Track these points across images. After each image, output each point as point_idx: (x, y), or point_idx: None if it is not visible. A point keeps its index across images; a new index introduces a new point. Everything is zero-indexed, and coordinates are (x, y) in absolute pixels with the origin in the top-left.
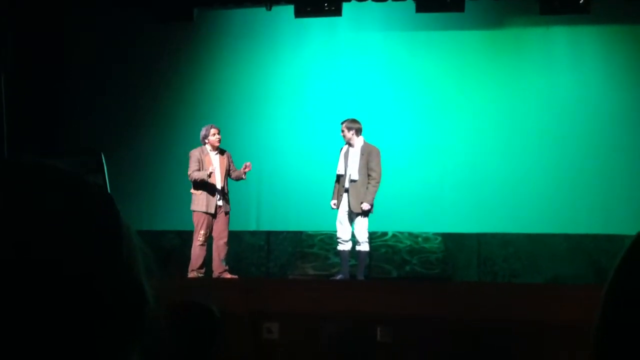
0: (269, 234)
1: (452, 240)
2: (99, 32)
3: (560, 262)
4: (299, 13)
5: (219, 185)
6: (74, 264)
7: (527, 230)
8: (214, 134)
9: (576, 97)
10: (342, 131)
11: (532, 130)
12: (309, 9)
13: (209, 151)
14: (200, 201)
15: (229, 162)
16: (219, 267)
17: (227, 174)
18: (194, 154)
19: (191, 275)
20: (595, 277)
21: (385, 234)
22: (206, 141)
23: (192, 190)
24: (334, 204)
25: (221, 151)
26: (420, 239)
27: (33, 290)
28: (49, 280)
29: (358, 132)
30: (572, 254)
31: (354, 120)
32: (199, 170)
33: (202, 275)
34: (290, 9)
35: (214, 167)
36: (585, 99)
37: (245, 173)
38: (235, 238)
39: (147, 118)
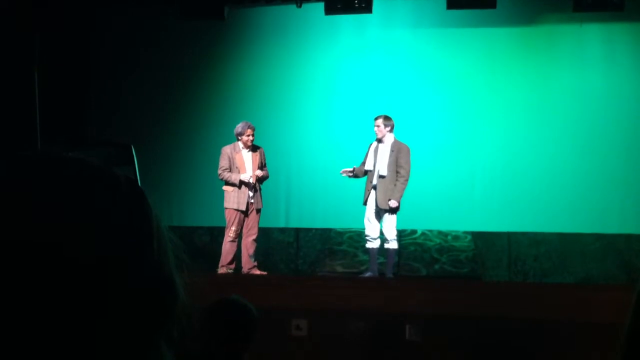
0: (298, 231)
1: (482, 239)
2: (130, 28)
3: (592, 262)
4: (329, 10)
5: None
6: (105, 257)
7: (558, 230)
8: (249, 135)
9: (609, 95)
10: (378, 127)
11: (564, 129)
12: (339, 6)
13: (241, 148)
14: (232, 198)
15: (261, 159)
16: (247, 262)
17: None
18: (225, 151)
19: (221, 270)
20: (627, 278)
21: (414, 231)
22: (239, 138)
23: (224, 188)
24: (348, 171)
25: (254, 147)
26: (449, 237)
27: (61, 284)
28: (78, 273)
29: (392, 128)
30: (603, 254)
31: (388, 117)
32: (228, 169)
33: (231, 271)
34: (320, 6)
35: (246, 167)
36: (618, 97)
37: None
38: (264, 235)
39: (178, 114)
